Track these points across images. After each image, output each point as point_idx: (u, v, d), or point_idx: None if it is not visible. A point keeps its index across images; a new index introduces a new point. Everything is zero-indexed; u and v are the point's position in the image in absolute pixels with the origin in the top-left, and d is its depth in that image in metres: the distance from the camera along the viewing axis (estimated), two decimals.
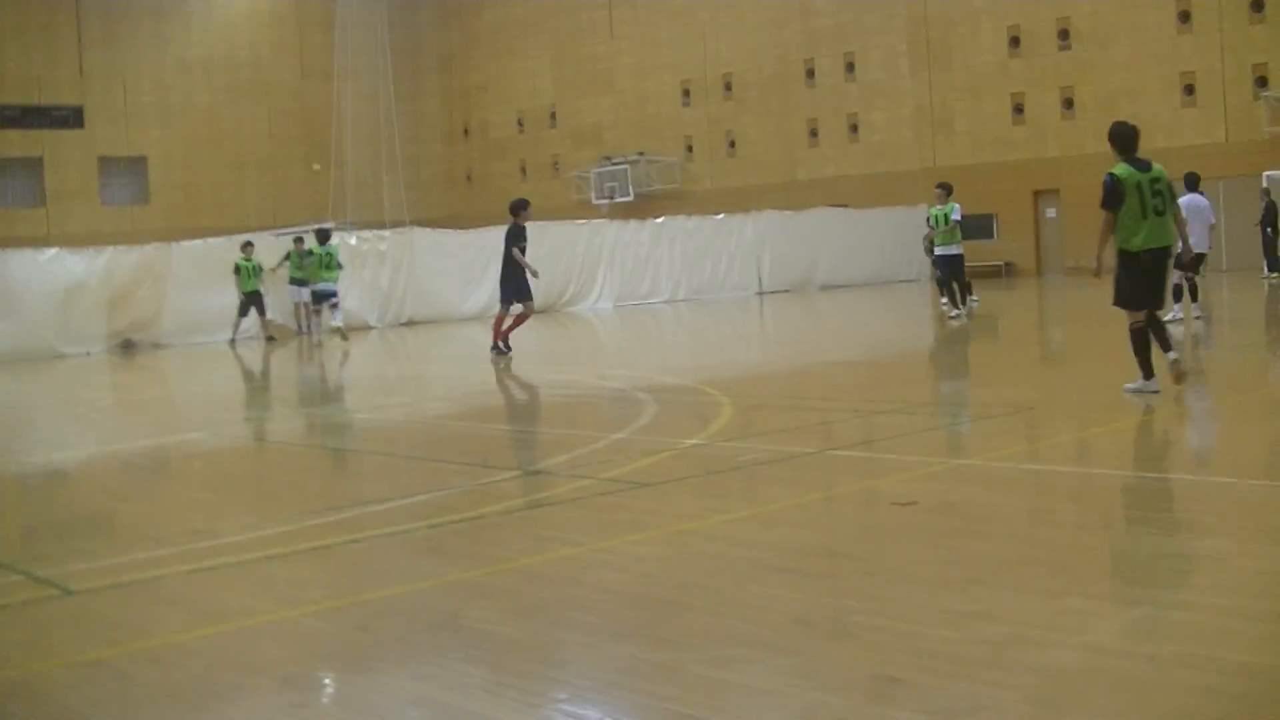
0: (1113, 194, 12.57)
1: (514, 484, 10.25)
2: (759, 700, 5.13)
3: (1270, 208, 34.89)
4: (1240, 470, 9.60)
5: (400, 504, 9.55)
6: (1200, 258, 21.32)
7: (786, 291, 40.65)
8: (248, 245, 30.44)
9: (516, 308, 22.17)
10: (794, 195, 47.32)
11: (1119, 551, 7.33)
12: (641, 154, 55.23)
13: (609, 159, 56.14)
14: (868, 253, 42.92)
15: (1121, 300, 12.93)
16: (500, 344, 21.67)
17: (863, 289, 40.91)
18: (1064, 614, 5.99)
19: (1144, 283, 12.82)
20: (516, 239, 21.77)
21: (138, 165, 57.26)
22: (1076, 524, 8.24)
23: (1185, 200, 19.10)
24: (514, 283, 21.88)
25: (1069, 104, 43.80)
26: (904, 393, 15.74)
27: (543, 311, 34.73)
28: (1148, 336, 12.89)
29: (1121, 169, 12.68)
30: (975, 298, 28.27)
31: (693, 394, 15.70)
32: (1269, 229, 34.64)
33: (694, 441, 11.65)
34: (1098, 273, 13.42)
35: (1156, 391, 12.87)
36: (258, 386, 22.06)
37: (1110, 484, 9.33)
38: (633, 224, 40.09)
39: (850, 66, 49.34)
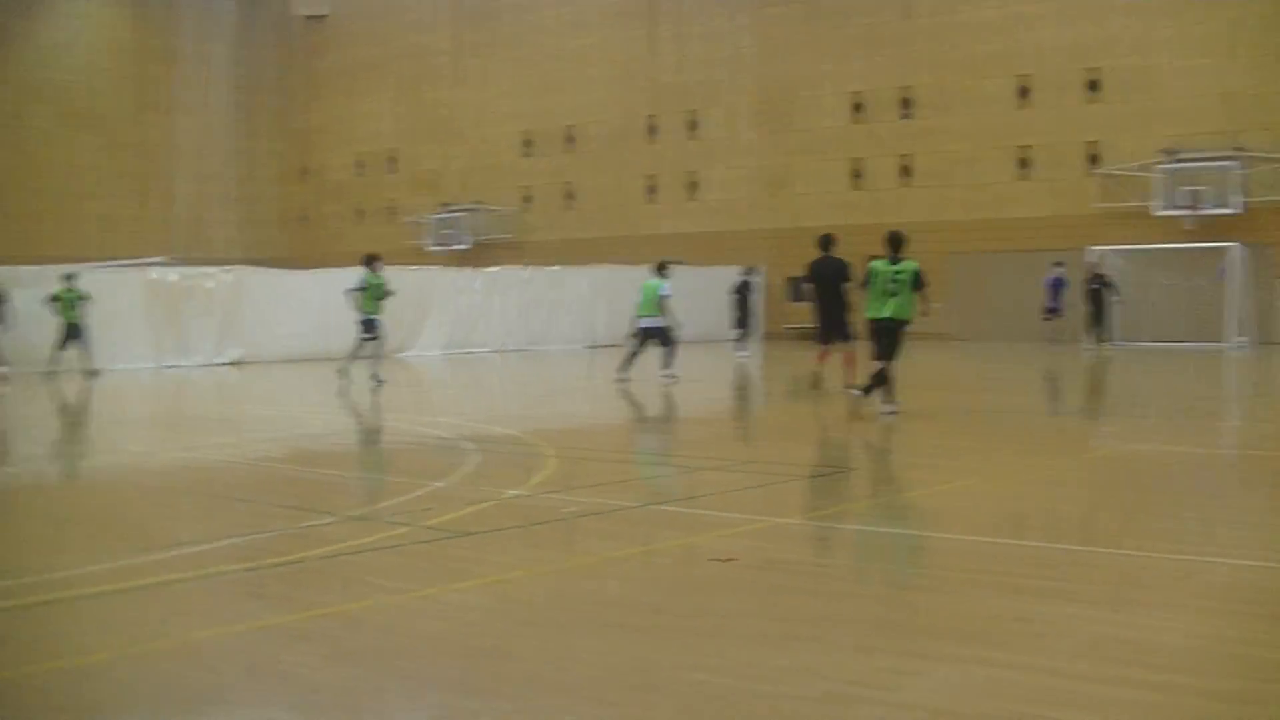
0: (868, 276, 17.19)
1: (336, 529, 10.17)
2: None
3: (1103, 281, 35.96)
4: (1058, 536, 9.86)
5: (218, 546, 9.43)
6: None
7: (619, 346, 40.77)
8: (70, 276, 29.83)
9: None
10: (631, 250, 47.47)
11: (937, 610, 7.47)
12: (480, 203, 55.15)
13: (447, 206, 55.98)
14: (703, 311, 43.12)
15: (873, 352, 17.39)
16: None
17: (696, 346, 41.14)
18: (880, 671, 6.11)
19: (876, 340, 17.34)
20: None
21: None
22: (895, 583, 8.40)
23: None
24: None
25: (907, 171, 44.65)
26: (727, 450, 15.90)
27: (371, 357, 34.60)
28: (887, 376, 17.29)
29: (877, 264, 17.22)
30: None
31: (518, 445, 15.71)
32: (1103, 301, 35.77)
33: (517, 492, 11.67)
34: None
35: (894, 412, 17.06)
36: (73, 422, 21.61)
37: (929, 545, 9.52)
38: (466, 272, 39.99)
39: (693, 124, 49.82)
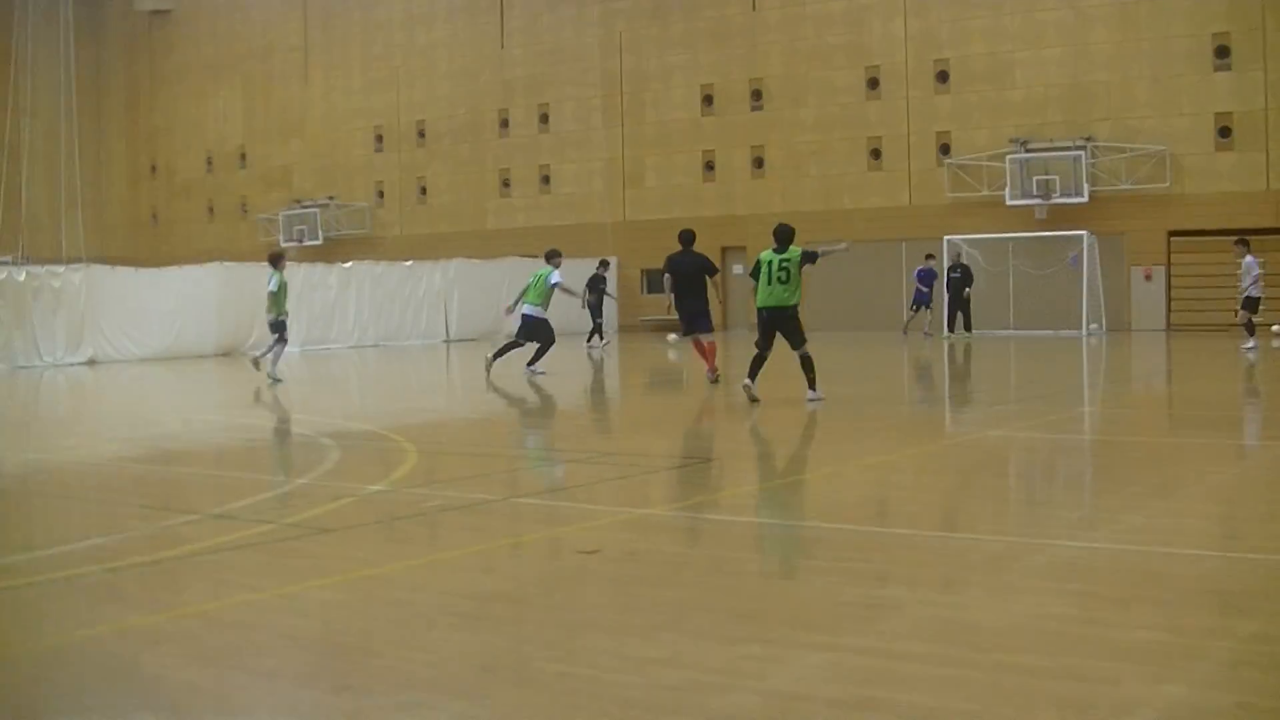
0: (755, 268, 18.08)
1: (194, 528, 10.04)
2: None
3: (964, 270, 36.51)
4: (915, 522, 10.00)
5: (76, 547, 9.29)
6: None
7: (474, 340, 40.66)
8: None
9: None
10: (484, 244, 47.45)
11: (799, 599, 7.56)
12: (332, 198, 54.70)
13: (298, 202, 55.46)
14: (556, 303, 43.09)
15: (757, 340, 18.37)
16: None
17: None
18: (745, 659, 6.16)
19: (763, 329, 18.23)
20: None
21: None
22: (758, 572, 8.48)
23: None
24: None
25: (759, 162, 44.97)
26: (589, 442, 15.93)
27: (226, 354, 34.21)
28: (761, 362, 18.27)
29: (765, 255, 18.09)
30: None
31: (377, 440, 15.63)
32: (964, 290, 36.31)
33: (378, 487, 11.61)
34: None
35: (749, 387, 18.14)
36: None
37: (791, 534, 9.62)
38: (320, 268, 39.62)
39: (544, 117, 49.77)
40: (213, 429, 18.67)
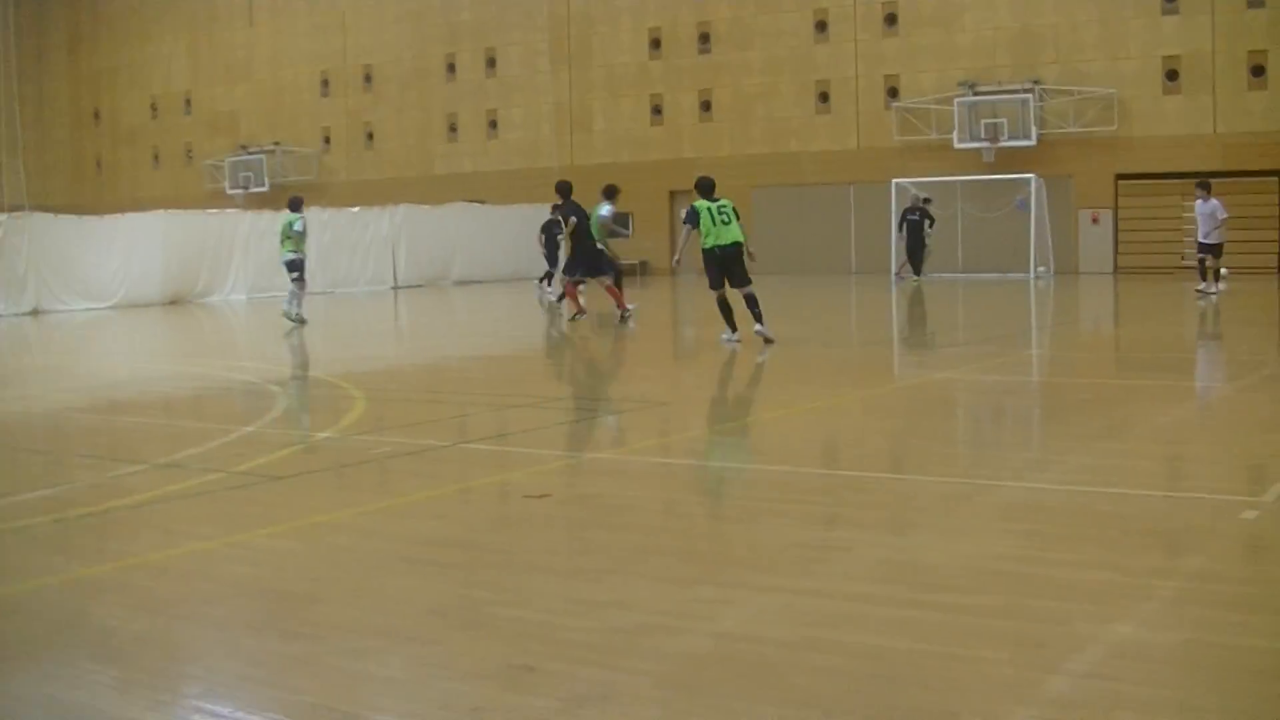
0: (692, 215, 18.93)
1: (142, 478, 9.99)
2: (395, 690, 5.17)
3: (921, 213, 36.21)
4: (864, 464, 10.05)
5: (22, 499, 9.23)
6: None
7: (421, 286, 40.53)
8: None
9: None
10: (431, 190, 47.18)
11: (749, 541, 7.58)
12: (278, 144, 54.24)
13: (245, 148, 54.99)
14: (504, 249, 43.01)
15: (710, 283, 19.00)
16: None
17: (498, 285, 41.07)
18: (696, 602, 6.19)
19: (716, 270, 18.85)
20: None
21: None
22: (708, 515, 8.51)
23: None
24: None
25: (706, 106, 44.84)
26: (539, 387, 15.93)
27: (174, 303, 33.97)
28: (728, 305, 18.86)
29: (700, 203, 18.96)
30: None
31: (326, 387, 15.58)
32: (913, 234, 36.01)
33: (326, 435, 11.59)
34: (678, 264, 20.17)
35: (739, 340, 18.41)
36: None
37: (740, 477, 9.66)
38: (267, 215, 39.28)
39: (491, 62, 49.42)
40: (160, 378, 18.55)
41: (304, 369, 17.83)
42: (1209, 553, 6.94)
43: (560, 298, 26.75)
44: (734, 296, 18.87)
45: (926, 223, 36.34)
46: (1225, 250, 28.46)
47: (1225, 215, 27.82)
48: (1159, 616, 5.87)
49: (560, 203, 25.16)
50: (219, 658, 5.71)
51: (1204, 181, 28.53)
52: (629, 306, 23.40)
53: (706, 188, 19.37)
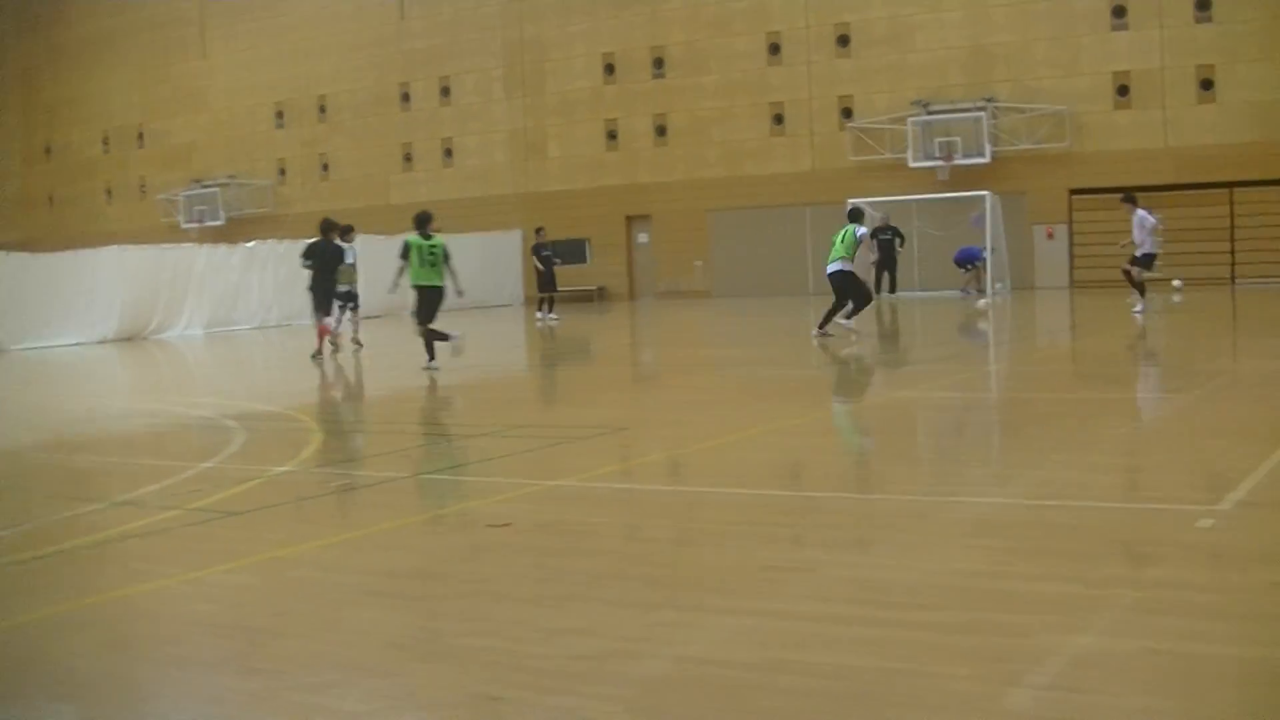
0: (405, 250, 20.22)
1: (101, 516, 9.92)
2: None
3: (893, 231, 36.28)
4: (825, 484, 10.06)
5: None
6: None
7: (380, 317, 40.41)
8: None
9: None
10: (388, 219, 46.99)
11: (712, 565, 7.56)
12: (233, 177, 54.09)
13: (199, 181, 54.79)
14: (462, 277, 42.78)
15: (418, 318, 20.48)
16: None
17: (453, 313, 40.92)
18: (660, 626, 6.18)
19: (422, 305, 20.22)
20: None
21: None
22: (669, 539, 8.49)
23: None
24: None
25: (661, 130, 44.93)
26: (499, 416, 15.88)
27: (130, 339, 33.79)
28: (433, 335, 20.23)
29: (413, 238, 20.13)
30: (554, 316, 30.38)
31: (283, 421, 15.51)
32: (886, 254, 36.00)
33: (285, 468, 11.53)
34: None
35: (439, 368, 19.86)
36: None
37: (702, 500, 9.63)
38: (223, 248, 39.19)
39: (445, 90, 49.42)
40: (117, 415, 18.43)
41: (261, 403, 17.74)
42: (1166, 561, 6.98)
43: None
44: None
45: (897, 240, 36.50)
46: (1178, 261, 28.34)
47: (1154, 221, 26.60)
48: (1119, 626, 5.89)
49: (541, 227, 25.32)
50: (179, 696, 5.66)
51: (1128, 195, 27.28)
52: (326, 348, 24.93)
53: (422, 221, 20.41)
